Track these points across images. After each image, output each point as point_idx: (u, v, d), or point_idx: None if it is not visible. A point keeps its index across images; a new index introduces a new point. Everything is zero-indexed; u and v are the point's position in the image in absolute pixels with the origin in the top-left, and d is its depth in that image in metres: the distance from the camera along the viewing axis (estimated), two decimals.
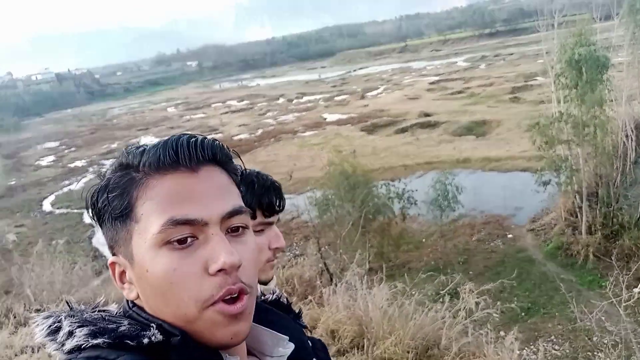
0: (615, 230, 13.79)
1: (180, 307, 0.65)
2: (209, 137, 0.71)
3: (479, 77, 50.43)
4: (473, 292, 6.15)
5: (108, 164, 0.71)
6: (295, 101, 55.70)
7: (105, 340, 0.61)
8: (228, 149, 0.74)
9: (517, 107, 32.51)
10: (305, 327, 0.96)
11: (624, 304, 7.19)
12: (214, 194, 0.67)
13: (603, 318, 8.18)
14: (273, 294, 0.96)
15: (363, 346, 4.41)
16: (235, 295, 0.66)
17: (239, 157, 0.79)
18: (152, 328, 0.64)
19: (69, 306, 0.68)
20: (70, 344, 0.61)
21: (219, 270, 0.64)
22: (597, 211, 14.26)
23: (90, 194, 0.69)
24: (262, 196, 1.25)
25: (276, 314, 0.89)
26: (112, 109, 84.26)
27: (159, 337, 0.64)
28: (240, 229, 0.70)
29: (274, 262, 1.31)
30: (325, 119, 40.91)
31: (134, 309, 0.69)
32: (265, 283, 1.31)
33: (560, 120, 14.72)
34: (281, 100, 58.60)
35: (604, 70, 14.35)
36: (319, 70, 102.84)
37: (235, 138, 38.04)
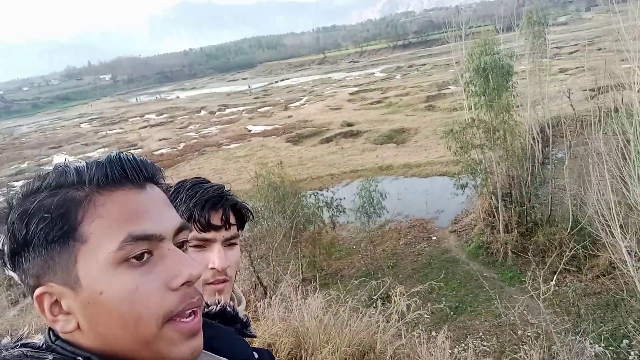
0: (530, 227, 14.78)
1: (140, 326, 0.61)
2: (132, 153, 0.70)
3: (396, 87, 52.37)
4: (404, 294, 6.36)
5: (17, 188, 0.65)
6: (217, 113, 54.91)
7: None
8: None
9: (432, 115, 34.11)
10: (254, 336, 0.92)
11: (542, 297, 7.74)
12: (162, 209, 0.67)
13: (525, 312, 8.72)
14: (217, 304, 0.91)
15: (301, 357, 4.41)
16: (194, 309, 0.66)
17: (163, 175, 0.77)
18: None
19: None
20: None
21: (183, 284, 0.63)
22: (512, 210, 15.23)
23: (1, 220, 0.63)
24: (194, 209, 1.14)
25: (216, 328, 0.84)
26: (20, 127, 79.04)
27: None
28: (185, 243, 0.69)
29: (219, 287, 1.16)
30: (249, 130, 40.69)
31: (57, 342, 0.64)
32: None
33: (473, 126, 15.61)
34: (203, 112, 57.56)
35: (508, 77, 15.41)
36: (241, 82, 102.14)
37: (157, 153, 36.81)
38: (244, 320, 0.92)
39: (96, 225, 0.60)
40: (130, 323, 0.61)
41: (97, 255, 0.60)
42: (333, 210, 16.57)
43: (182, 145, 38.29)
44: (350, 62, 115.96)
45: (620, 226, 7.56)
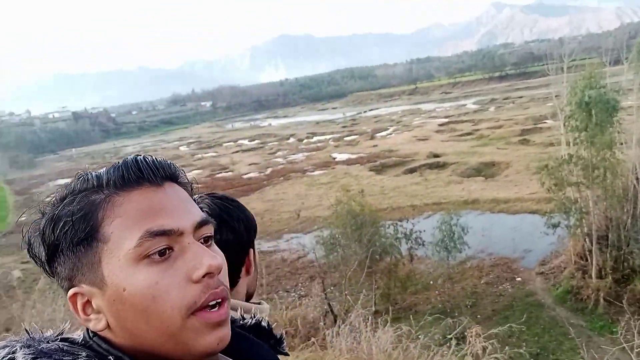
0: (627, 274, 13.50)
1: (164, 320, 0.63)
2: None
3: (488, 119, 50.74)
4: (480, 335, 5.98)
5: (49, 199, 0.69)
6: (305, 141, 56.32)
7: None
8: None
9: (526, 149, 32.54)
10: (287, 354, 0.91)
11: (635, 350, 6.95)
12: (182, 205, 0.68)
13: None
14: (253, 317, 0.91)
15: None
16: (219, 300, 0.66)
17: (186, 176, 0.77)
18: None
19: (28, 334, 0.65)
20: None
21: (204, 276, 0.64)
22: (608, 255, 13.99)
23: (36, 229, 0.67)
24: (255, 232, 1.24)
25: (249, 341, 0.85)
26: (126, 147, 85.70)
27: None
28: (210, 239, 0.70)
29: None
30: (334, 158, 41.22)
31: (94, 338, 0.67)
32: None
33: (570, 162, 14.66)
34: (292, 139, 59.26)
35: (613, 113, 14.38)
36: (330, 111, 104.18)
37: (245, 176, 38.33)
38: (278, 336, 0.91)
39: (116, 225, 0.63)
40: (154, 317, 0.63)
41: (119, 253, 0.63)
42: (412, 242, 16.13)
43: (269, 170, 39.56)
44: (442, 94, 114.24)
45: None
